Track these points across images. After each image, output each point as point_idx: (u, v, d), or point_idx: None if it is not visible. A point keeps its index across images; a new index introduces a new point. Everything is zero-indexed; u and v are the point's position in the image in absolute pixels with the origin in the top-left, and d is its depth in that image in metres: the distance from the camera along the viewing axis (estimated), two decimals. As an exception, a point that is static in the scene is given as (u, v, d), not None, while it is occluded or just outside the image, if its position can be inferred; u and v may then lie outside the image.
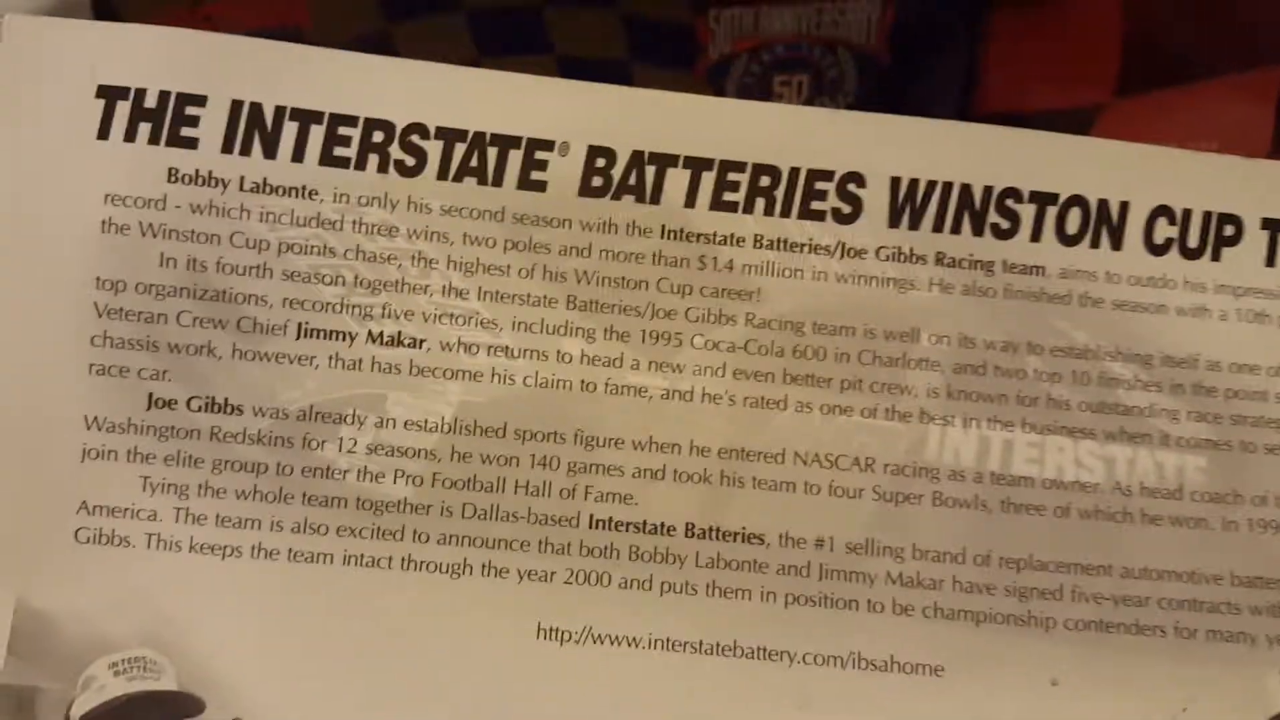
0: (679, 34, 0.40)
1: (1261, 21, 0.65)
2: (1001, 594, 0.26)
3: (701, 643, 0.26)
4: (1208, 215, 0.28)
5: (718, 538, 0.26)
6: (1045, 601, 0.26)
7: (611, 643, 0.26)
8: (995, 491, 0.27)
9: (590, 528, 0.26)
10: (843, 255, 0.28)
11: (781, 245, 0.28)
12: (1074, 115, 0.39)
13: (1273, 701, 0.25)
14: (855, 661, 0.26)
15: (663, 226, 0.28)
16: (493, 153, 0.28)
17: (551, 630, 0.26)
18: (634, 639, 0.26)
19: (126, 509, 0.26)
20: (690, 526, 0.26)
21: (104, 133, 0.27)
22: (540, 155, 0.28)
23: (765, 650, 0.26)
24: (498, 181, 0.28)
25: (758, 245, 0.28)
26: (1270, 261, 0.28)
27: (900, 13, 0.35)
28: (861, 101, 0.41)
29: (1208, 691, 0.26)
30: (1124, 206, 0.28)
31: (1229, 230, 0.28)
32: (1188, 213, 0.28)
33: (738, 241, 0.28)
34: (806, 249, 0.28)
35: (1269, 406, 0.27)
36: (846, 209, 0.28)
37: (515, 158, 0.28)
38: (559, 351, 0.27)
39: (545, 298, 0.27)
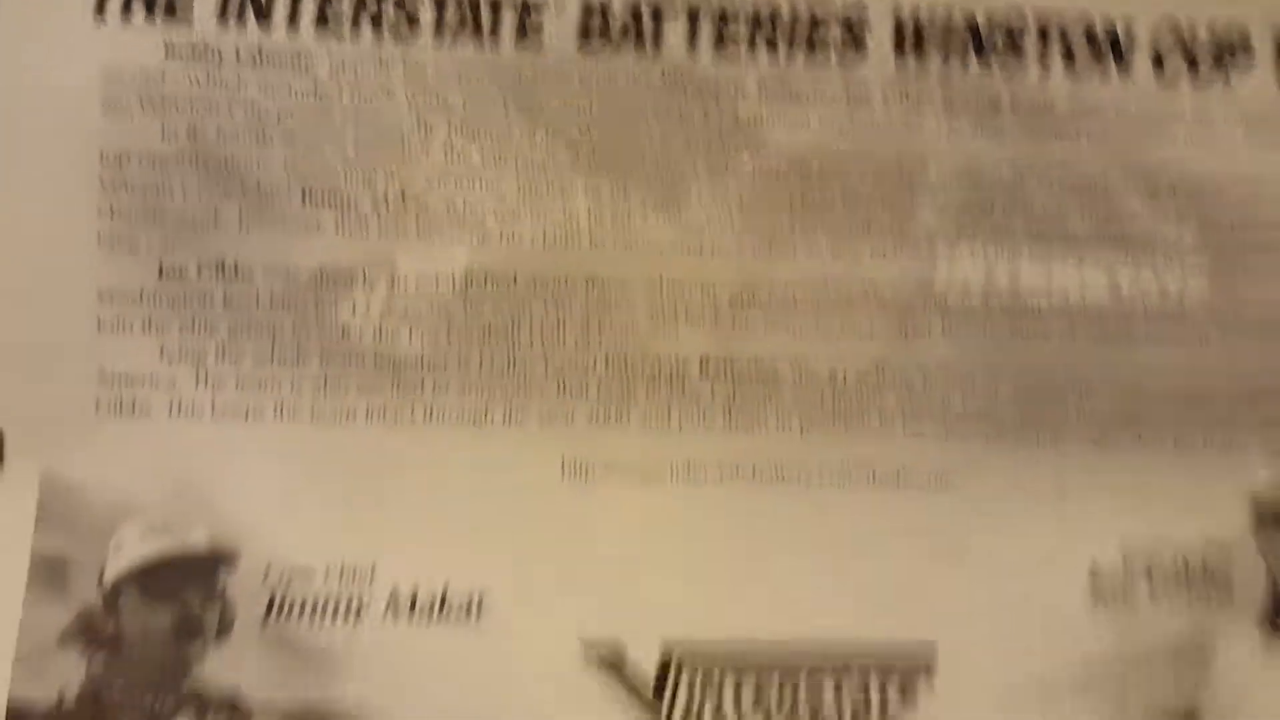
0: None
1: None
2: (1010, 414, 0.27)
3: (721, 472, 0.26)
4: (1217, 37, 0.28)
5: (732, 376, 0.27)
6: (1053, 419, 0.27)
7: (632, 476, 0.26)
8: (1003, 319, 0.27)
9: (607, 370, 0.27)
10: (848, 101, 0.28)
11: (786, 92, 0.28)
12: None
13: (1257, 492, 0.27)
14: (869, 479, 0.26)
15: (663, 76, 0.28)
16: (486, 13, 0.28)
17: (575, 468, 0.26)
18: (656, 470, 0.26)
19: (146, 377, 0.26)
20: (704, 365, 0.27)
21: (100, 11, 0.27)
22: (535, 14, 0.28)
23: (784, 474, 0.26)
24: (494, 41, 0.28)
25: (761, 92, 0.28)
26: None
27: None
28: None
29: (1202, 488, 0.27)
30: (1130, 27, 0.28)
31: (1239, 55, 0.29)
32: (1194, 33, 0.28)
33: (741, 89, 0.28)
34: (811, 95, 0.28)
35: (1275, 230, 0.28)
36: (850, 49, 0.28)
37: (509, 17, 0.28)
38: (565, 208, 0.27)
39: (548, 156, 0.28)
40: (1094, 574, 0.26)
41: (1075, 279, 0.27)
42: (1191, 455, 0.27)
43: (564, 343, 0.27)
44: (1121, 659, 0.25)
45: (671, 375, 0.27)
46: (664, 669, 0.25)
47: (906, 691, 0.25)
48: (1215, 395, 0.27)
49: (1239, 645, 0.25)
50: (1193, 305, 0.27)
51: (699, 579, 0.26)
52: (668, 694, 0.25)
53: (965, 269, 0.27)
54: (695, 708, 0.25)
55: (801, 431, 0.27)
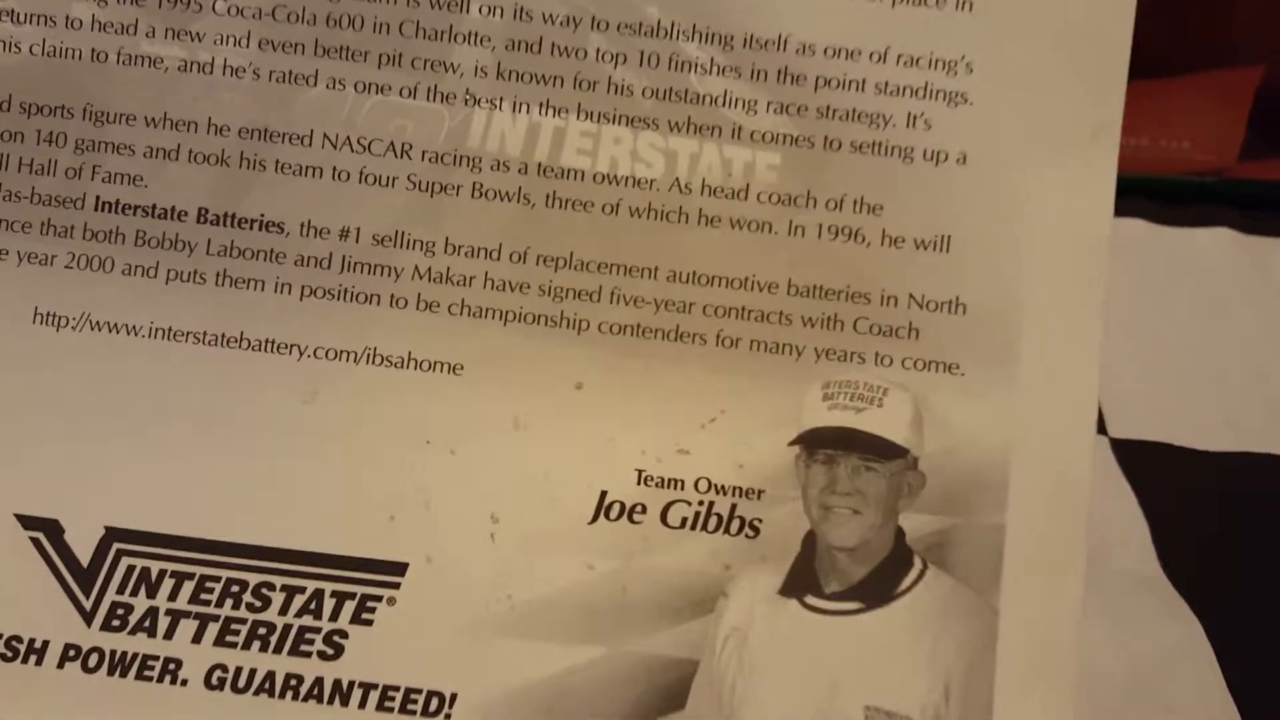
0: None
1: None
2: (535, 293, 0.24)
3: (206, 333, 0.24)
4: None
5: (233, 224, 0.24)
6: (581, 303, 0.24)
7: (111, 330, 0.24)
8: (541, 184, 0.24)
9: (96, 210, 0.24)
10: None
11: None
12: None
13: (808, 416, 0.24)
14: (370, 357, 0.24)
15: None
16: None
17: (49, 315, 0.24)
18: (135, 327, 0.24)
19: None
20: (203, 212, 0.24)
21: None
22: None
23: (274, 343, 0.24)
24: None
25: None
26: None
27: None
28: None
29: (742, 401, 0.24)
30: None
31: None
32: None
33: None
34: None
35: (863, 99, 0.24)
36: None
37: None
38: (68, 17, 0.24)
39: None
40: (604, 490, 0.24)
41: (626, 142, 0.24)
42: (733, 355, 0.24)
43: (54, 176, 0.24)
44: (625, 591, 0.23)
45: (165, 221, 0.24)
46: (100, 556, 0.24)
47: (362, 612, 0.23)
48: (774, 288, 0.24)
49: (757, 603, 0.23)
50: (760, 183, 0.24)
51: (162, 462, 0.24)
52: (99, 583, 0.23)
53: (504, 122, 0.24)
54: (126, 603, 0.24)
55: (302, 297, 0.24)
